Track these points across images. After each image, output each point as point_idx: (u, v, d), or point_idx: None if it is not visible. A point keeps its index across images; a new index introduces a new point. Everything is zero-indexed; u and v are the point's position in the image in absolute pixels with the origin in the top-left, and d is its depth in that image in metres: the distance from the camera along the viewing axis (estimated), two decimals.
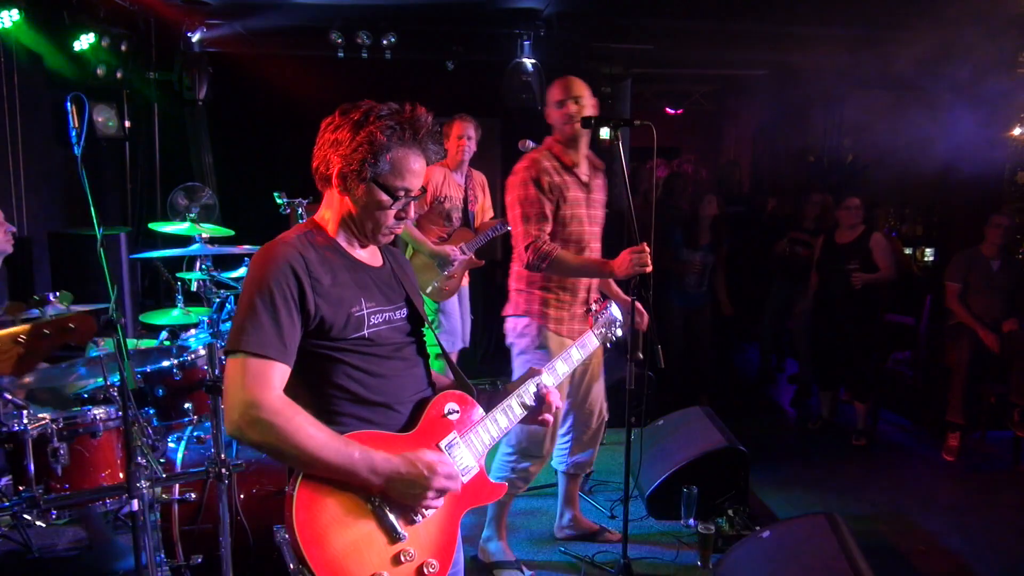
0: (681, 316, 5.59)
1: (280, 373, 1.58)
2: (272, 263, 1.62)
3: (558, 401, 1.98)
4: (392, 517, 1.62)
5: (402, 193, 1.71)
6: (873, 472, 4.71)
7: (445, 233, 4.46)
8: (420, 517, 1.67)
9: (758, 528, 3.40)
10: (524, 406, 1.93)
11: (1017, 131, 6.23)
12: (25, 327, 1.88)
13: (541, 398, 1.95)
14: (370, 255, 1.84)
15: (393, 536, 1.62)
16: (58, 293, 1.95)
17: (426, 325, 1.90)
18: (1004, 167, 6.33)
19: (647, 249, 2.87)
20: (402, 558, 1.62)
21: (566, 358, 2.09)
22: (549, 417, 1.96)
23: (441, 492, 1.66)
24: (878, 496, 4.31)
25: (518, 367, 3.24)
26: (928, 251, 6.46)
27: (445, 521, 1.74)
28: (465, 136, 4.36)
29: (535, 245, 2.99)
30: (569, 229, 3.12)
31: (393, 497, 1.62)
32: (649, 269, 2.85)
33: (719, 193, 5.99)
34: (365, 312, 1.71)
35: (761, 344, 6.33)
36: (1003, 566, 3.57)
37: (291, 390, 1.60)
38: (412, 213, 1.77)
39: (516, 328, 3.20)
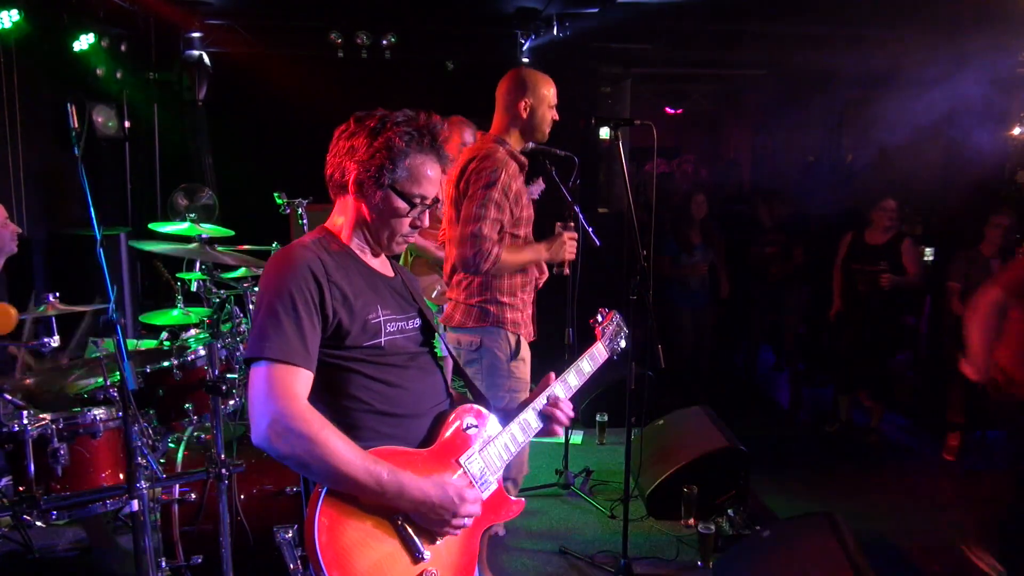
0: (689, 317, 5.60)
1: (305, 380, 1.56)
2: (291, 266, 1.60)
3: (570, 411, 1.94)
4: (414, 536, 1.60)
5: (418, 200, 1.70)
6: (873, 472, 4.71)
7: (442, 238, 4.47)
8: (441, 537, 1.65)
9: (758, 528, 3.39)
10: (539, 419, 1.90)
11: (1017, 131, 6.23)
12: None
13: (554, 409, 1.91)
14: (382, 264, 1.82)
15: (416, 556, 1.59)
16: None
17: (437, 336, 1.88)
18: (1004, 167, 6.33)
19: (576, 237, 2.94)
20: None
21: (577, 370, 2.04)
22: (559, 429, 1.92)
23: (462, 524, 1.64)
24: (878, 496, 4.31)
25: (491, 379, 2.96)
26: (928, 251, 6.46)
27: (465, 539, 1.71)
28: (462, 141, 4.34)
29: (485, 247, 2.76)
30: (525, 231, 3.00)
31: (417, 521, 1.60)
32: (572, 257, 2.93)
33: (717, 193, 5.99)
34: (381, 319, 1.69)
35: (749, 343, 6.35)
36: (1003, 565, 3.57)
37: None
38: (426, 221, 1.76)
39: (483, 342, 2.95)
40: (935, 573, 3.49)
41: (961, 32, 5.17)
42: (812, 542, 2.84)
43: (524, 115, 2.91)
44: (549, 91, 2.95)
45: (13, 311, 1.94)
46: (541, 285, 3.14)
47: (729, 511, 3.65)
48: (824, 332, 5.44)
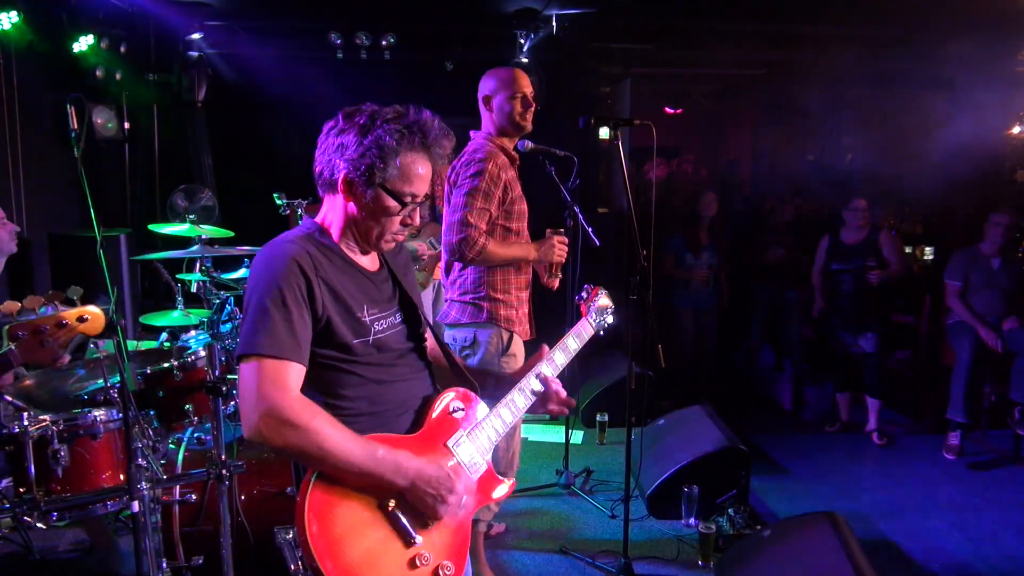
0: (691, 317, 5.60)
1: (296, 373, 1.55)
2: (279, 261, 1.59)
3: (561, 389, 1.94)
4: (406, 521, 1.60)
5: (409, 198, 1.68)
6: (874, 471, 4.71)
7: (415, 228, 4.46)
8: (433, 520, 1.65)
9: (759, 527, 3.40)
10: (527, 398, 1.91)
11: (1017, 130, 6.23)
12: (49, 317, 1.92)
13: (544, 387, 1.92)
14: (369, 260, 1.81)
15: (408, 540, 1.59)
16: (71, 287, 1.97)
17: (427, 327, 1.88)
18: (1004, 166, 6.33)
19: (567, 241, 2.97)
20: (418, 562, 1.60)
21: (563, 348, 2.04)
22: (555, 407, 1.93)
23: (458, 502, 1.64)
24: (879, 495, 4.31)
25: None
26: (928, 250, 6.46)
27: (457, 522, 1.72)
28: None
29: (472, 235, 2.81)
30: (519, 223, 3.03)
31: (411, 499, 1.60)
32: (561, 260, 2.98)
33: (720, 192, 5.99)
34: (369, 319, 1.69)
35: (750, 344, 6.35)
36: (1004, 564, 3.57)
37: None
38: (417, 220, 1.74)
39: (477, 337, 3.00)
40: (935, 573, 3.49)
41: (962, 31, 5.17)
42: (812, 542, 2.84)
43: (494, 111, 3.00)
44: (512, 82, 3.00)
45: (102, 315, 1.97)
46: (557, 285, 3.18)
47: (729, 511, 3.65)
48: (825, 333, 5.44)
